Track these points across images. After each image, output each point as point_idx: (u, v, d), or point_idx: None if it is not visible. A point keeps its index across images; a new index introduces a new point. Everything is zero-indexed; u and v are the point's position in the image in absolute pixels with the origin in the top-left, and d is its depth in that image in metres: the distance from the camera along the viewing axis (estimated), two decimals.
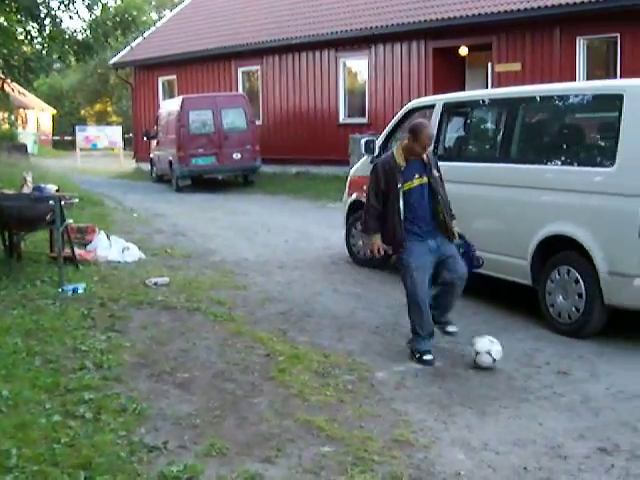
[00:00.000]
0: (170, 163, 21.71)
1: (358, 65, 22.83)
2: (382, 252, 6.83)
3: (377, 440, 4.88)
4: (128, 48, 26.05)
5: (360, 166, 10.69)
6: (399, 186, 6.58)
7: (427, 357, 6.51)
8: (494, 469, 4.56)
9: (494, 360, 6.32)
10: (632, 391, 5.88)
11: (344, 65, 22.97)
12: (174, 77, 28.33)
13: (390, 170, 6.65)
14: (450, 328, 6.88)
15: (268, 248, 11.91)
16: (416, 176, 6.64)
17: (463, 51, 19.93)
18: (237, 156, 21.22)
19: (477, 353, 6.36)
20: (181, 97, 22.73)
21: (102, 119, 54.32)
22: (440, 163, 8.89)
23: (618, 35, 16.36)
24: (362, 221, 7.08)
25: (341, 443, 4.82)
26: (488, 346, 6.36)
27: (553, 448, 4.86)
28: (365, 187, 10.17)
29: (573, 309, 7.21)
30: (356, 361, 6.44)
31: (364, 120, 21.89)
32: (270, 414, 5.26)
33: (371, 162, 10.17)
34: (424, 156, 6.68)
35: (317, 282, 9.50)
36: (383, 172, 6.69)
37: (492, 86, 18.48)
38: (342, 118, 22.88)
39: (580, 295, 7.12)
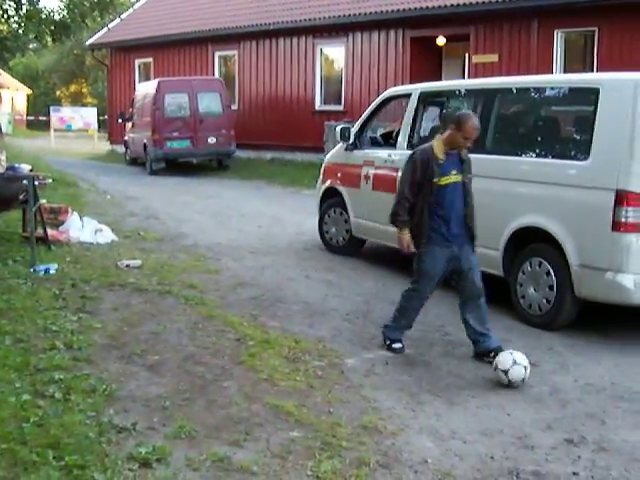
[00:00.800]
0: (145, 146, 21.62)
1: (335, 52, 22.80)
2: (411, 249, 6.53)
3: (346, 426, 4.90)
4: (105, 29, 25.90)
5: (335, 153, 10.69)
6: (435, 180, 6.28)
7: (396, 345, 6.51)
8: (461, 457, 4.60)
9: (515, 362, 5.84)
10: (600, 383, 5.94)
11: (321, 52, 22.93)
12: (150, 60, 28.13)
13: (428, 161, 6.32)
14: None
15: (241, 233, 11.90)
16: (453, 172, 6.34)
17: (440, 41, 19.96)
18: (212, 140, 21.17)
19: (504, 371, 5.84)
20: (157, 80, 22.62)
21: (77, 100, 53.89)
22: None
23: (596, 29, 16.46)
24: (392, 212, 6.56)
25: (310, 428, 4.84)
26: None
27: (520, 438, 4.91)
28: (340, 174, 10.32)
29: (544, 301, 7.26)
30: (326, 347, 6.47)
31: (340, 107, 21.88)
32: (239, 398, 5.27)
33: (346, 149, 10.23)
34: (462, 153, 6.40)
35: (289, 268, 9.51)
36: (421, 162, 6.35)
37: (469, 77, 18.53)
38: (318, 105, 22.85)
39: (551, 287, 7.18)
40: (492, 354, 6.19)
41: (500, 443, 4.83)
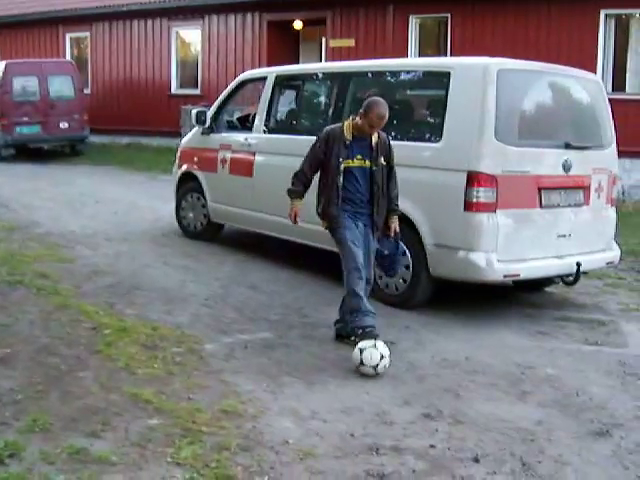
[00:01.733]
0: None
1: (191, 35, 22.55)
2: (298, 220, 6.54)
3: (206, 411, 4.86)
4: None
5: (191, 137, 10.55)
6: (340, 160, 6.22)
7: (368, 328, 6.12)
8: (322, 436, 4.63)
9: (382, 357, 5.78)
10: (455, 359, 6.12)
11: (177, 35, 22.60)
12: None
13: (334, 141, 6.25)
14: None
15: (96, 220, 11.60)
16: (358, 157, 6.26)
17: (297, 25, 20.03)
18: (64, 125, 20.48)
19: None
20: (4, 62, 21.67)
21: None
22: (271, 136, 9.08)
23: (449, 15, 16.91)
24: (291, 183, 6.55)
25: (169, 415, 4.77)
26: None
27: (379, 415, 4.99)
28: (196, 159, 10.20)
29: (400, 281, 7.41)
30: (185, 333, 6.38)
31: (197, 91, 21.67)
32: (96, 388, 5.14)
33: (202, 133, 10.12)
34: (373, 139, 6.27)
35: (146, 255, 9.34)
36: (325, 141, 6.29)
37: (326, 61, 18.68)
38: (174, 89, 22.55)
39: (407, 267, 7.34)
40: (353, 338, 6.23)
41: (360, 421, 4.89)
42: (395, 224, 6.55)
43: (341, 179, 6.25)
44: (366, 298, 6.24)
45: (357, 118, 6.26)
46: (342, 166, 6.23)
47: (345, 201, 6.30)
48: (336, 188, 6.26)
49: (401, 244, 6.76)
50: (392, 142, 7.42)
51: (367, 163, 6.29)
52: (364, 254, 6.29)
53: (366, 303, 6.17)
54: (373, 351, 5.73)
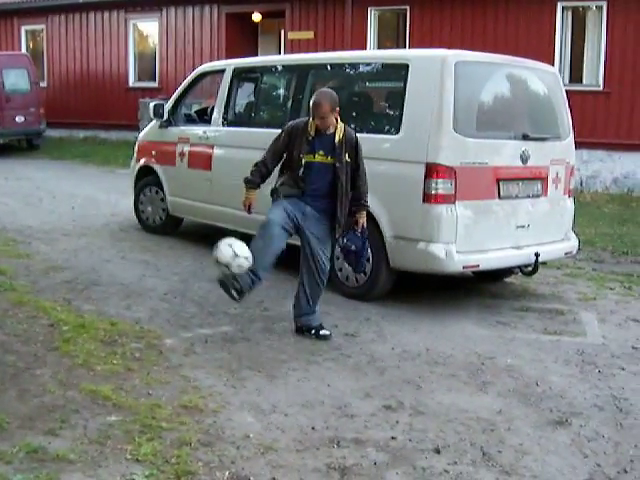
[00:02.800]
0: None
1: (149, 28, 22.37)
2: (252, 211, 6.53)
3: (166, 407, 4.81)
4: None
5: (149, 131, 10.46)
6: (301, 155, 6.18)
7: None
8: (283, 430, 4.62)
9: (235, 255, 6.02)
10: (415, 350, 6.14)
11: (134, 27, 22.40)
12: None
13: (297, 134, 6.22)
14: (323, 332, 6.38)
15: (53, 215, 11.46)
16: (320, 152, 6.19)
17: (256, 17, 19.95)
18: (20, 119, 20.24)
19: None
20: None
21: None
22: (230, 129, 9.02)
23: (407, 7, 16.94)
24: (250, 172, 6.50)
25: (128, 412, 4.72)
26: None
27: (340, 408, 4.98)
28: (154, 152, 10.11)
29: (360, 273, 7.41)
30: (144, 329, 6.32)
31: (155, 84, 21.53)
32: (54, 385, 5.07)
33: (160, 127, 10.03)
34: (337, 135, 6.18)
35: (105, 249, 9.25)
36: (289, 134, 6.27)
37: (285, 53, 18.63)
38: (132, 82, 22.37)
39: (368, 260, 7.33)
40: (313, 332, 6.31)
41: (321, 414, 4.88)
42: (363, 220, 6.50)
43: (301, 172, 6.22)
44: (318, 295, 6.43)
45: None
46: (303, 160, 6.19)
47: (305, 194, 6.28)
48: (295, 177, 6.26)
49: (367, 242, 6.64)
50: None
51: (329, 159, 6.21)
52: (311, 245, 6.34)
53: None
54: (225, 248, 6.00)
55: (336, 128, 6.21)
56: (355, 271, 7.12)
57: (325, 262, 6.41)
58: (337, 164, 6.19)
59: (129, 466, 4.05)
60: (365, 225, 6.53)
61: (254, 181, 6.48)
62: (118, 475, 3.95)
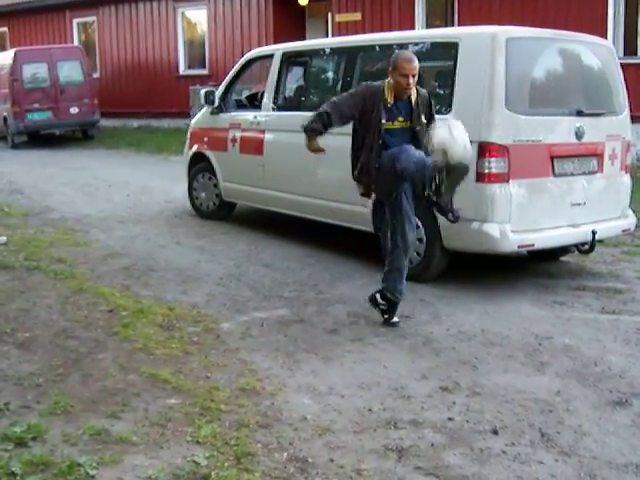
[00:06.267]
0: (5, 119, 20.79)
1: (197, 15, 22.48)
2: (320, 151, 6.28)
3: (224, 390, 4.87)
4: None
5: (200, 118, 10.54)
6: (382, 122, 5.94)
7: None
8: (339, 412, 4.64)
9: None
10: (471, 331, 6.11)
11: (183, 15, 22.54)
12: (5, 29, 27.08)
13: (375, 101, 5.96)
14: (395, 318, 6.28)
15: (109, 203, 11.63)
16: (399, 119, 6.03)
17: (303, 1, 19.92)
18: (75, 110, 20.55)
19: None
20: (13, 50, 21.72)
21: None
22: (280, 113, 9.05)
23: None
24: (309, 121, 6.16)
25: (187, 395, 4.79)
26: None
27: (397, 389, 4.99)
28: (206, 139, 10.19)
29: (414, 254, 7.37)
30: (201, 313, 6.40)
31: (205, 71, 21.65)
32: (115, 369, 5.16)
33: (211, 113, 10.10)
34: (412, 97, 6.03)
35: (160, 236, 9.36)
36: (363, 97, 6.02)
37: (332, 36, 18.57)
38: (182, 69, 22.54)
39: (421, 240, 7.30)
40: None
41: (377, 395, 4.90)
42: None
43: (380, 142, 6.01)
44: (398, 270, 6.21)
45: (389, 78, 6.03)
46: (383, 128, 6.00)
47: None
48: (376, 150, 6.02)
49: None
50: None
51: (408, 124, 6.08)
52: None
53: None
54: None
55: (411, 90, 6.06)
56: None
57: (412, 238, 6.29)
58: (417, 127, 6.08)
59: (190, 448, 4.12)
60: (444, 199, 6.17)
61: (316, 129, 6.14)
62: (179, 457, 4.02)
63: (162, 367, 5.20)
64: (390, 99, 6.02)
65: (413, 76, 5.93)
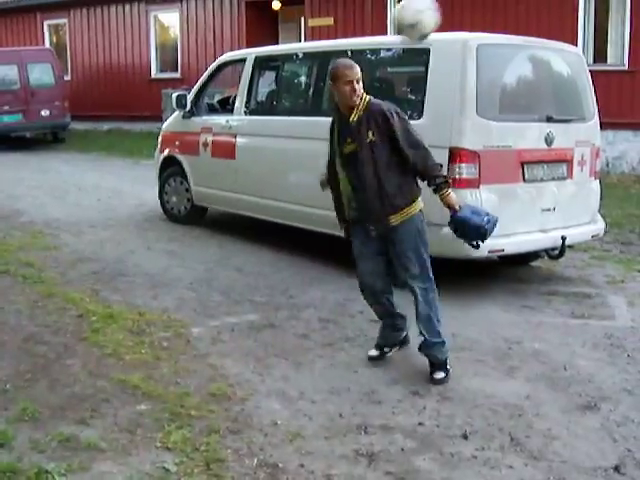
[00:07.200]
0: None
1: (170, 19, 22.40)
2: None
3: (194, 395, 4.86)
4: None
5: (172, 121, 10.50)
6: (334, 148, 5.23)
7: (370, 353, 5.65)
8: (310, 417, 4.64)
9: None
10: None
11: (155, 19, 22.45)
12: None
13: (337, 117, 5.24)
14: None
15: (80, 207, 11.55)
16: (348, 140, 5.15)
17: (276, 5, 19.92)
18: (45, 113, 20.35)
19: None
20: None
21: None
22: (253, 118, 9.03)
23: None
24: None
25: (157, 400, 4.77)
26: None
27: (367, 394, 4.99)
28: (178, 143, 10.15)
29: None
30: (171, 318, 6.37)
31: (177, 75, 21.56)
32: (84, 375, 5.13)
33: (183, 117, 10.07)
34: (353, 113, 5.09)
35: (131, 240, 9.30)
36: (332, 125, 5.31)
37: (305, 41, 18.58)
38: (154, 73, 22.43)
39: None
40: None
41: (348, 400, 4.90)
42: (450, 200, 5.28)
43: (342, 169, 5.28)
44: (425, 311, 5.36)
45: (335, 94, 5.22)
46: (336, 156, 5.30)
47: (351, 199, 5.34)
48: (339, 181, 5.33)
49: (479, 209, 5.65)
50: None
51: (353, 146, 5.15)
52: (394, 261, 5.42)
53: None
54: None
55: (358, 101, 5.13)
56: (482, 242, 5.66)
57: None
58: (359, 147, 5.10)
59: (159, 454, 4.10)
60: (456, 205, 5.32)
61: (324, 179, 5.64)
62: (148, 463, 4.00)
63: (132, 373, 5.17)
64: (336, 116, 5.29)
65: (357, 81, 5.05)
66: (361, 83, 5.09)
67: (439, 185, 5.24)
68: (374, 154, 5.09)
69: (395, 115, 5.12)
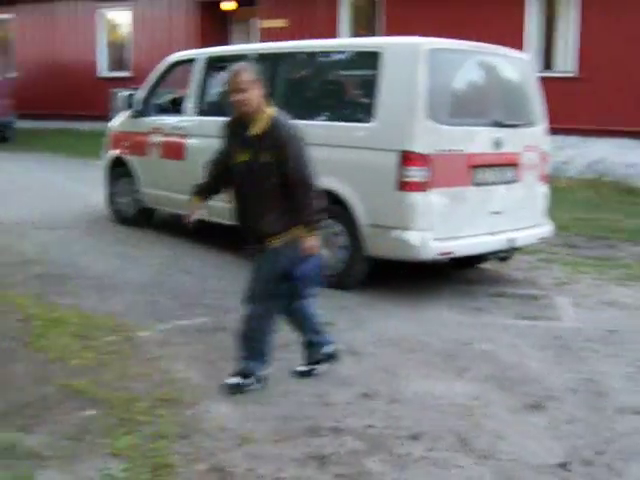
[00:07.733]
0: None
1: (121, 17, 22.20)
2: (191, 222, 5.57)
3: (143, 400, 4.78)
4: None
5: (121, 121, 10.38)
6: (231, 149, 4.98)
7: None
8: (260, 421, 4.60)
9: None
10: (392, 337, 6.14)
11: (104, 16, 22.22)
12: None
13: (234, 126, 5.00)
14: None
15: (25, 208, 11.34)
16: (243, 147, 4.87)
17: (228, 5, 19.84)
18: None
19: None
20: None
21: None
22: (202, 118, 8.96)
23: None
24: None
25: (105, 406, 4.68)
26: None
27: (317, 396, 4.97)
28: (127, 143, 10.03)
29: (337, 261, 7.40)
30: (120, 321, 6.27)
31: (127, 74, 21.35)
32: (28, 381, 5.02)
33: (132, 117, 9.95)
34: (252, 125, 4.82)
35: (77, 242, 9.17)
36: (227, 126, 5.07)
37: (257, 42, 18.52)
38: (103, 72, 22.18)
39: (343, 247, 7.33)
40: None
41: (299, 403, 4.88)
42: (309, 242, 4.93)
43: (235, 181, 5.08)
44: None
45: None
46: (234, 162, 5.01)
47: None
48: (235, 195, 5.15)
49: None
50: (325, 123, 7.35)
51: (245, 156, 4.88)
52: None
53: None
54: None
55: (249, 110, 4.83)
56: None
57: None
58: (251, 159, 4.84)
59: (106, 460, 4.03)
60: (313, 246, 4.97)
61: (195, 188, 5.64)
62: (94, 470, 3.93)
63: (78, 378, 5.08)
64: (234, 127, 5.01)
65: (242, 90, 4.73)
66: (257, 91, 4.76)
67: (307, 224, 4.90)
68: (263, 173, 4.83)
69: (294, 142, 4.82)
